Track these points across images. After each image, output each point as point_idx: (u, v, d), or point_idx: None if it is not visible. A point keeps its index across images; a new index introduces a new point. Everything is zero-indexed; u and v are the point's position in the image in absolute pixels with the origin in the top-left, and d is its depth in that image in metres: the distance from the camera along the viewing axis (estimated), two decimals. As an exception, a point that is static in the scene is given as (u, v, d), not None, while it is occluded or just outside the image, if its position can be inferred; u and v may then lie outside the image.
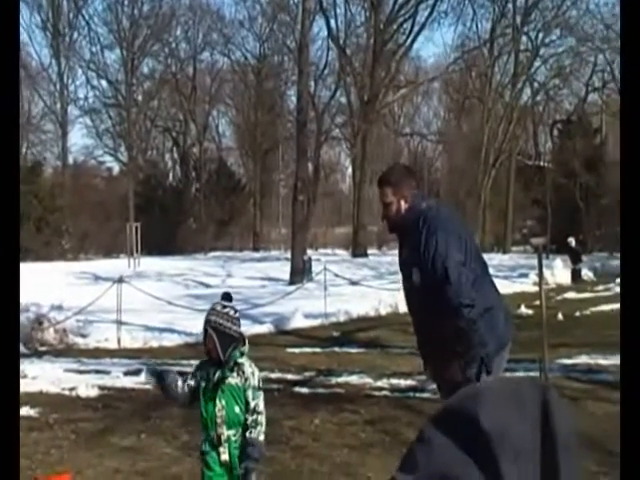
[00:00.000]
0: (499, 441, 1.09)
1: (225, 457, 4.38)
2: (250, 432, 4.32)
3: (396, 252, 5.19)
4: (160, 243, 45.26)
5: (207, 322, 4.43)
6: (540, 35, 47.97)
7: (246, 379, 4.36)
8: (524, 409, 1.13)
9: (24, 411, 8.87)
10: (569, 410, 1.17)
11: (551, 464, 1.11)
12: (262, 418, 4.35)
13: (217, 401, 4.37)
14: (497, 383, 1.21)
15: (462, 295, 4.54)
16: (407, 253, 4.91)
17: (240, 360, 4.39)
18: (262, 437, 4.34)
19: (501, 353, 4.81)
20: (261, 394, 4.40)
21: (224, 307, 4.45)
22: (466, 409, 1.12)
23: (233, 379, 4.37)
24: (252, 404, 4.34)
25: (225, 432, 4.37)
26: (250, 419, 4.33)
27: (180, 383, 4.47)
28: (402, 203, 4.87)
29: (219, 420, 4.37)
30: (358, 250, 42.14)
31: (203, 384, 4.45)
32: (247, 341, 4.53)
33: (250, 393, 4.35)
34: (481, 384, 1.22)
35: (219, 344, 4.35)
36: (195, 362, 12.76)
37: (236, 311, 4.49)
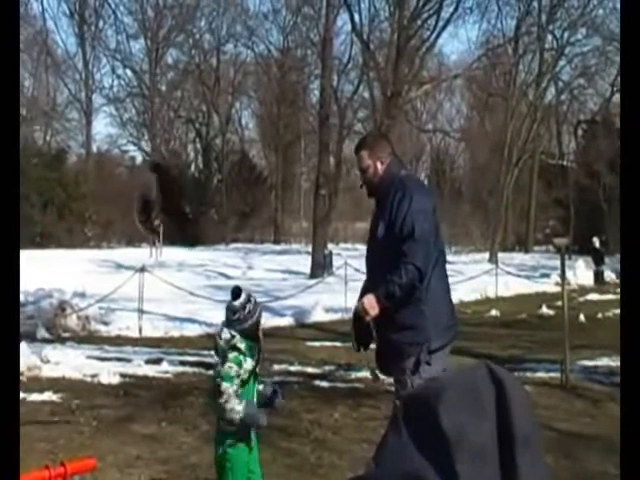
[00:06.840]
0: (457, 443, 1.10)
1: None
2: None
3: None
4: (182, 234, 45.34)
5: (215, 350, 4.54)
6: (565, 34, 47.60)
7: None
8: (481, 408, 1.14)
9: (46, 396, 8.96)
10: (527, 404, 1.17)
11: (510, 462, 1.12)
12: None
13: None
14: (457, 377, 1.21)
15: (417, 257, 4.45)
16: (379, 212, 4.81)
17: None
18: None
19: (444, 350, 4.68)
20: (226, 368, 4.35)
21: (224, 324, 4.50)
22: (428, 408, 1.14)
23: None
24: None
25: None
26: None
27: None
28: (378, 165, 4.80)
29: None
30: (378, 245, 42.03)
31: None
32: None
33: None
34: (444, 378, 1.22)
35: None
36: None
37: (235, 312, 4.44)
